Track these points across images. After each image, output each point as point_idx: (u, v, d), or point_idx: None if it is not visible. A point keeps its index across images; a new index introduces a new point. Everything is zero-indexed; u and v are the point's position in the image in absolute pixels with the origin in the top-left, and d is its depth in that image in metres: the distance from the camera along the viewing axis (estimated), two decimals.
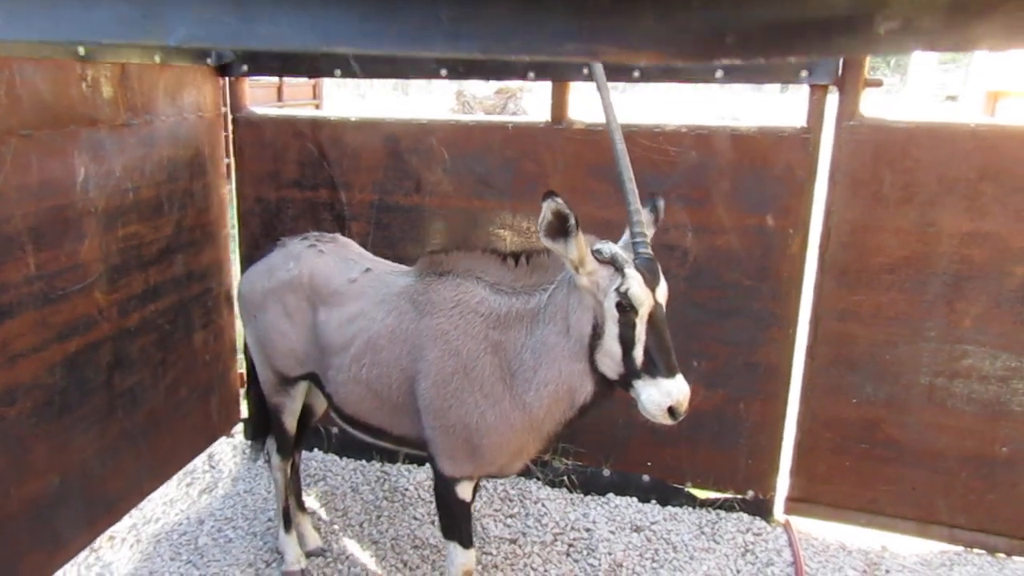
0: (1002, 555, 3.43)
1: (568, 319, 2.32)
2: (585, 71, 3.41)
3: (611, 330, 2.20)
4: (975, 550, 3.46)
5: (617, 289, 2.17)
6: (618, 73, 3.41)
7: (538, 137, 3.60)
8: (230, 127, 4.00)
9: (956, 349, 3.30)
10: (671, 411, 2.16)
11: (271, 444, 3.30)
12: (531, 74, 3.52)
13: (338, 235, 3.17)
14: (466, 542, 2.73)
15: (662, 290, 2.23)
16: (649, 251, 2.26)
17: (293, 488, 3.42)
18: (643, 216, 2.30)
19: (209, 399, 4.04)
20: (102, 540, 3.42)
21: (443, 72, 3.60)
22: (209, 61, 3.80)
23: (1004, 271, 3.17)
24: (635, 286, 2.16)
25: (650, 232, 2.36)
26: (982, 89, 8.85)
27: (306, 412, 3.31)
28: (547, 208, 2.16)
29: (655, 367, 2.16)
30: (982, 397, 3.32)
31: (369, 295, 2.77)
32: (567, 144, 3.56)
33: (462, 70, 3.58)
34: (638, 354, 2.17)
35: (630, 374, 2.20)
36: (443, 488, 2.67)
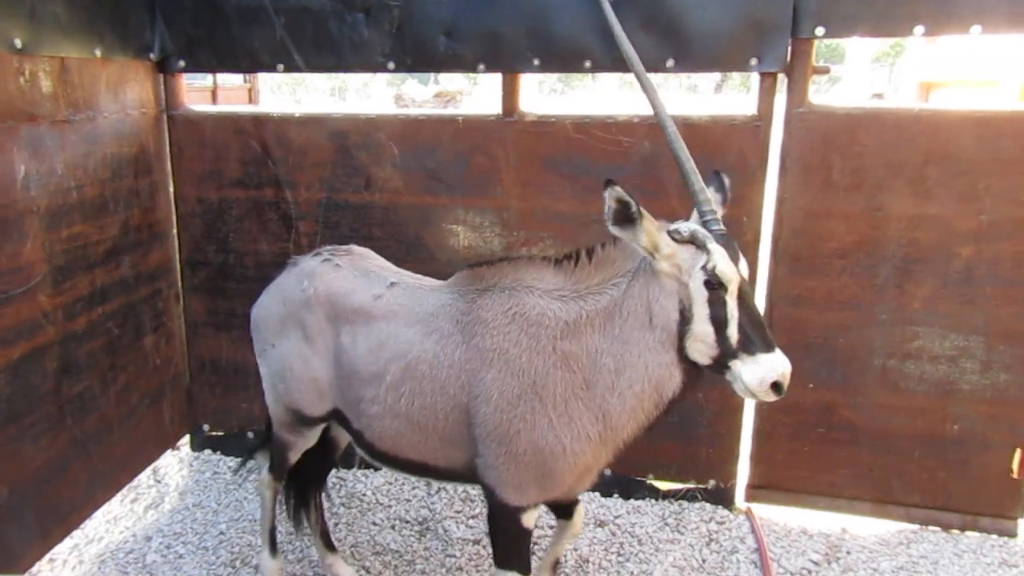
0: (956, 531, 3.50)
1: (650, 309, 2.19)
2: (536, 62, 3.37)
3: (700, 312, 2.10)
4: (930, 527, 3.53)
5: (703, 267, 2.08)
6: (568, 64, 3.38)
7: (489, 130, 3.54)
8: (164, 125, 3.83)
9: (907, 331, 3.36)
10: (776, 387, 2.07)
11: (262, 458, 3.05)
12: (481, 66, 3.45)
13: (353, 246, 2.90)
14: (525, 570, 2.53)
15: (743, 265, 2.15)
16: (722, 227, 2.17)
17: (320, 528, 3.16)
18: (709, 194, 2.20)
19: (161, 404, 3.89)
20: (41, 564, 3.23)
21: (390, 65, 3.51)
22: (151, 56, 3.64)
23: (950, 253, 3.24)
24: (722, 261, 2.07)
25: (720, 211, 2.24)
26: (915, 81, 9.16)
27: (330, 446, 3.06)
28: (609, 196, 2.07)
29: (752, 343, 2.07)
30: (932, 377, 3.38)
31: (400, 315, 2.54)
32: (519, 137, 3.51)
33: (410, 62, 3.49)
34: (732, 332, 2.08)
35: (725, 355, 2.10)
36: (506, 520, 2.45)
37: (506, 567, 2.54)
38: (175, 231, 3.94)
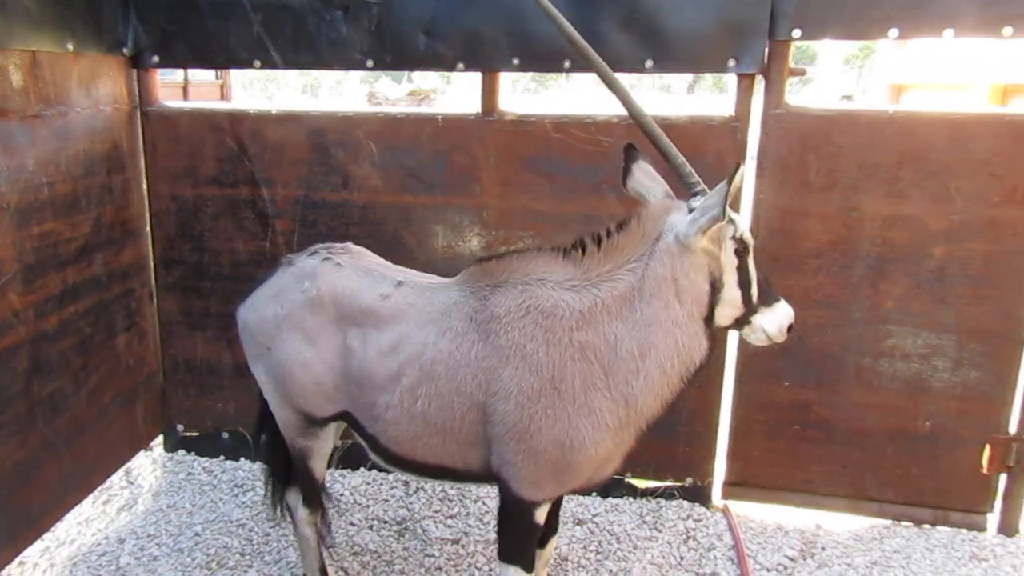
0: (927, 526, 3.57)
1: (677, 287, 2.23)
2: (515, 61, 3.37)
3: (731, 279, 2.24)
4: (903, 523, 3.59)
5: (733, 236, 2.22)
6: (548, 64, 3.39)
7: (469, 129, 3.54)
8: (138, 121, 3.77)
9: (880, 329, 3.41)
10: (789, 328, 2.32)
11: (294, 497, 2.92)
12: (460, 64, 3.44)
13: (350, 244, 2.77)
14: (529, 566, 2.53)
15: None
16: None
17: (318, 550, 3.00)
18: (689, 167, 2.30)
19: (134, 405, 3.84)
20: (11, 568, 3.17)
21: (369, 63, 3.49)
22: (124, 51, 3.59)
23: (923, 252, 3.29)
24: (744, 227, 2.22)
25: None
26: (885, 83, 9.32)
27: None
28: (740, 176, 2.14)
29: (768, 295, 2.29)
30: (905, 375, 3.44)
31: (411, 316, 2.46)
32: (498, 136, 3.51)
33: (389, 60, 3.47)
34: (755, 290, 2.27)
35: (748, 313, 2.28)
36: (521, 515, 2.43)
37: (511, 561, 2.52)
38: (149, 229, 3.89)
